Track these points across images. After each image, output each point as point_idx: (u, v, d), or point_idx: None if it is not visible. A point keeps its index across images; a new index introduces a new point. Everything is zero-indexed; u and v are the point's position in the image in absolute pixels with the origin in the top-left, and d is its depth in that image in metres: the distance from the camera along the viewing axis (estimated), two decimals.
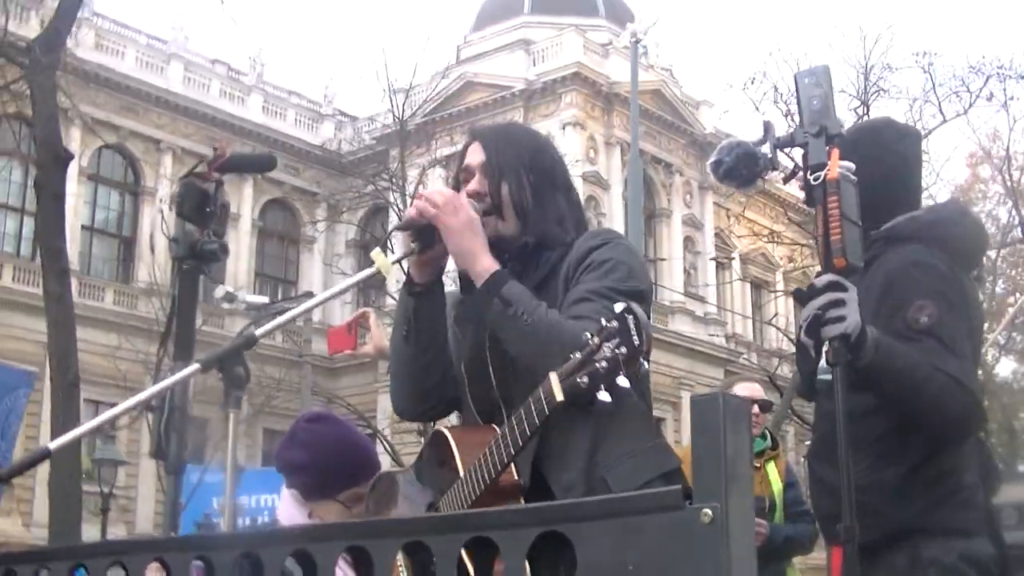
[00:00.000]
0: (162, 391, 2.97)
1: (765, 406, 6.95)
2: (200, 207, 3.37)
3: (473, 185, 3.34)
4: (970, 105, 29.31)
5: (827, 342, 3.28)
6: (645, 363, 2.72)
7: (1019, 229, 35.65)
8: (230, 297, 32.71)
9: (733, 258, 45.28)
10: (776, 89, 30.07)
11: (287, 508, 4.28)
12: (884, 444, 3.51)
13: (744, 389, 7.07)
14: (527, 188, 3.33)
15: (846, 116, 27.21)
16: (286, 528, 2.74)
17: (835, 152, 3.32)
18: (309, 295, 30.06)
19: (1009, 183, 34.82)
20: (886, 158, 3.77)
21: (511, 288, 3.09)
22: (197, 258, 3.34)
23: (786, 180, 3.59)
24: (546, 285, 3.25)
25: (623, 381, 2.68)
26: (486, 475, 2.96)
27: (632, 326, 2.66)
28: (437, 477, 3.20)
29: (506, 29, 46.18)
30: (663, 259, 41.93)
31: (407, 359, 3.38)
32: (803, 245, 32.25)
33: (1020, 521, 8.29)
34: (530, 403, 2.83)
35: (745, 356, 43.01)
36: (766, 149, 3.49)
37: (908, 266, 3.58)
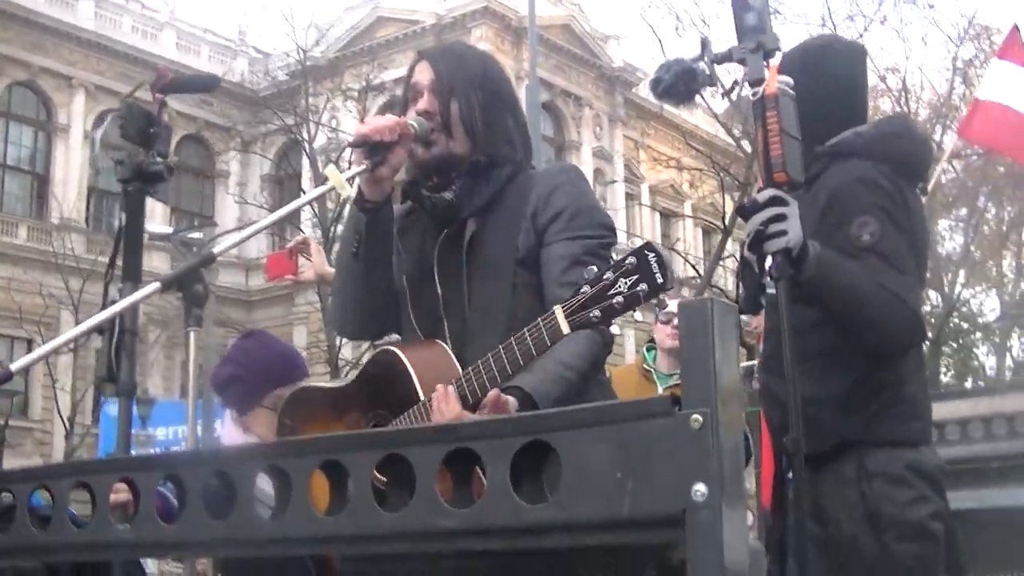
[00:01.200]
0: (120, 312, 2.90)
1: None
2: (144, 128, 3.30)
3: (422, 104, 3.27)
4: (865, 29, 29.21)
5: (769, 256, 3.24)
6: (666, 300, 2.71)
7: None
8: None
9: (641, 190, 45.49)
10: (678, 18, 30.02)
11: (227, 429, 4.29)
12: (829, 357, 3.51)
13: (676, 304, 7.06)
14: (476, 107, 3.28)
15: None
16: (260, 445, 2.69)
17: (773, 67, 3.29)
18: (213, 224, 29.71)
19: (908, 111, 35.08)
20: (832, 75, 3.74)
21: None
22: (143, 179, 3.27)
23: (724, 95, 3.60)
24: (499, 203, 3.24)
25: (638, 316, 2.66)
26: (466, 398, 2.90)
27: (654, 263, 2.60)
28: (388, 397, 3.12)
29: None
30: None
31: (356, 276, 3.31)
32: (703, 171, 32.27)
33: (962, 436, 8.46)
34: (524, 333, 2.78)
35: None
36: (703, 66, 3.46)
37: (852, 182, 3.54)
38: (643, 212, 44.19)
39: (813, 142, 3.43)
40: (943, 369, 48.02)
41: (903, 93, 34.57)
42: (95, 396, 34.36)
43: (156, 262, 37.63)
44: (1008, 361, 48.14)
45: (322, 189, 3.18)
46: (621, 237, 39.31)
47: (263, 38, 43.02)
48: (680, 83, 3.49)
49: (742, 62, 3.35)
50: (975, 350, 48.53)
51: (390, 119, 3.10)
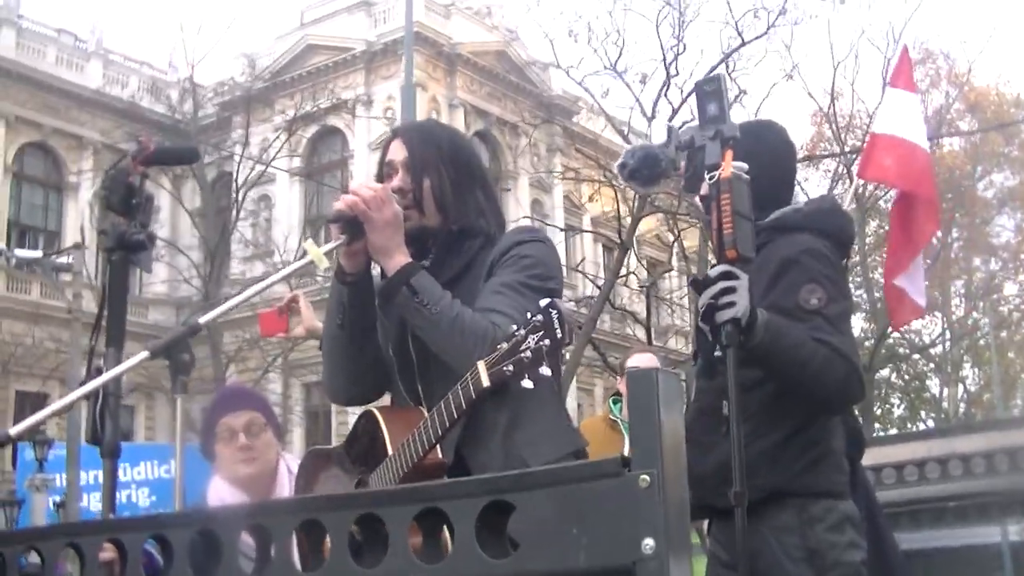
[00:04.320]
0: (96, 374, 3.11)
1: None
2: (126, 199, 3.49)
3: (396, 182, 3.53)
4: (770, 25, 28.69)
5: (720, 326, 3.56)
6: (567, 355, 2.93)
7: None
8: None
9: (583, 221, 45.46)
10: (590, 28, 29.64)
11: (212, 488, 4.53)
12: (763, 415, 3.84)
13: (639, 360, 7.20)
14: (447, 182, 3.54)
15: (666, 54, 27.22)
16: (241, 505, 2.88)
17: (729, 153, 3.59)
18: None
19: (837, 130, 34.82)
20: (765, 155, 4.04)
21: (420, 279, 3.31)
22: (125, 248, 3.45)
23: (687, 190, 3.90)
24: (467, 273, 3.49)
25: (545, 370, 2.92)
26: (413, 454, 3.17)
27: (555, 320, 2.91)
28: (368, 454, 3.37)
29: None
30: (512, 222, 41.65)
31: (341, 346, 3.55)
32: (600, 183, 31.57)
33: (920, 477, 8.78)
34: (458, 388, 3.05)
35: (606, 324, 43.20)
36: (669, 151, 3.80)
37: (800, 252, 3.92)
38: (585, 243, 44.20)
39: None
40: (895, 402, 48.37)
41: (832, 107, 34.48)
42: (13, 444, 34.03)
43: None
44: (960, 391, 48.56)
45: (300, 263, 3.41)
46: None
47: (198, 70, 42.03)
48: (643, 167, 3.87)
49: (702, 149, 3.68)
50: (928, 381, 48.87)
51: (366, 190, 3.33)
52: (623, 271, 30.11)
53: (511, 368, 2.91)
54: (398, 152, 3.59)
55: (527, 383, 2.91)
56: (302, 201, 41.19)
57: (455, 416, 3.07)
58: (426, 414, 3.25)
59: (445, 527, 1.95)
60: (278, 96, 40.37)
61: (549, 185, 44.49)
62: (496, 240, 3.55)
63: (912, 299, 8.96)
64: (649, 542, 1.74)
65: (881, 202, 37.32)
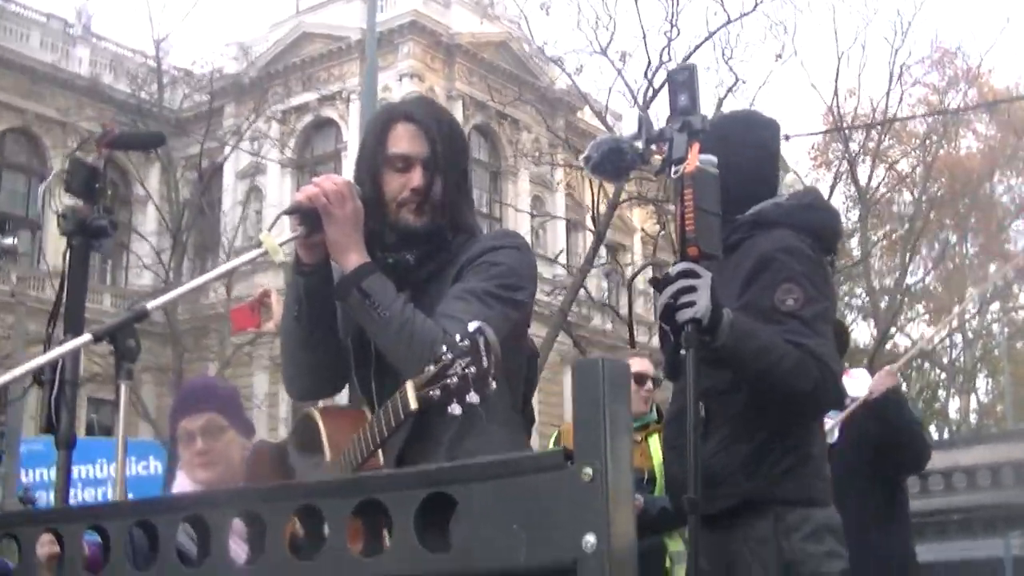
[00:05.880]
0: (52, 362, 3.10)
1: (657, 381, 7.09)
2: (89, 183, 3.47)
3: (418, 180, 3.47)
4: (757, 2, 28.33)
5: (681, 326, 3.55)
6: (494, 383, 2.87)
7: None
8: None
9: (586, 219, 45.18)
10: (580, 11, 29.62)
11: (177, 481, 4.55)
12: (739, 419, 3.85)
13: (634, 364, 7.18)
14: (460, 185, 3.57)
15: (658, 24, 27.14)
16: (179, 495, 2.89)
17: (695, 146, 3.58)
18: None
19: (839, 116, 34.66)
20: (749, 148, 4.07)
21: (372, 282, 3.30)
22: (86, 234, 3.43)
23: (657, 174, 3.87)
24: (449, 266, 3.49)
25: (473, 398, 2.87)
26: (352, 462, 3.21)
27: (482, 347, 2.86)
28: (306, 456, 3.38)
29: None
30: (498, 219, 41.43)
31: (299, 339, 3.55)
32: (576, 168, 31.32)
33: (922, 490, 8.83)
34: (388, 406, 3.07)
35: (598, 321, 42.99)
36: (637, 144, 3.77)
37: (778, 250, 3.89)
38: (587, 240, 43.86)
39: (732, 210, 3.72)
40: None
41: (835, 99, 34.42)
42: None
43: None
44: (973, 403, 48.39)
45: (255, 253, 3.39)
46: (559, 271, 39.24)
47: (185, 56, 41.76)
48: (607, 162, 3.83)
49: (670, 141, 3.67)
50: (940, 391, 48.63)
51: (329, 184, 3.32)
52: (600, 261, 29.78)
53: (437, 393, 2.89)
54: (417, 145, 3.50)
55: (455, 408, 2.87)
56: (294, 193, 41.07)
57: (385, 434, 3.10)
58: (369, 416, 3.27)
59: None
60: (272, 85, 40.20)
61: (550, 182, 44.24)
62: (475, 233, 3.56)
63: None
64: (591, 539, 1.73)
65: (895, 206, 37.42)
